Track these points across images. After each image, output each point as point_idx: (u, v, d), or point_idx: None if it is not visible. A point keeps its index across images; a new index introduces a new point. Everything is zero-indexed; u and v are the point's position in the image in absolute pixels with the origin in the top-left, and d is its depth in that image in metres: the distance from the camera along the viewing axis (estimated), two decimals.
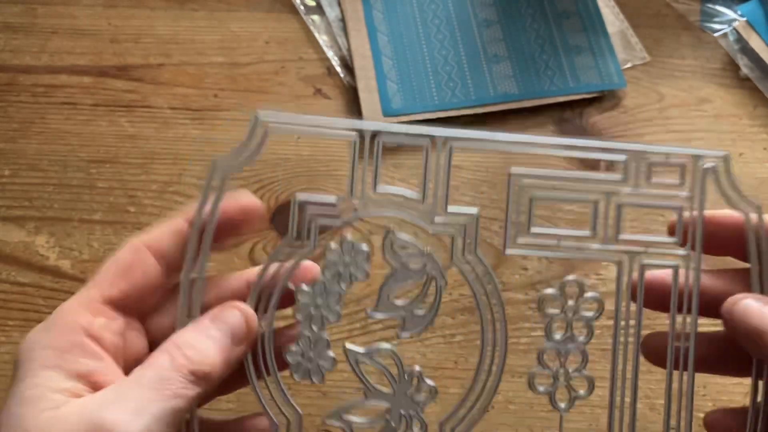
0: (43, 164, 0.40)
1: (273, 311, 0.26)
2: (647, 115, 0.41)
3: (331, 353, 0.26)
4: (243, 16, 0.45)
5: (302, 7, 0.45)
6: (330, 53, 0.43)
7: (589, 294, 0.26)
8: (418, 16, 0.44)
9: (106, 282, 0.24)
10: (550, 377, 0.26)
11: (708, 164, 0.26)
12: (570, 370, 0.26)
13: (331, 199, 0.26)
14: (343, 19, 0.44)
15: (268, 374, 0.25)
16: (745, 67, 0.42)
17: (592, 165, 0.40)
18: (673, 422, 0.26)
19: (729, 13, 0.44)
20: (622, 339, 0.26)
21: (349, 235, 0.26)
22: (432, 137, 0.26)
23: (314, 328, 0.26)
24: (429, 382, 0.26)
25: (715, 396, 0.34)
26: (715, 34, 0.44)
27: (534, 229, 0.26)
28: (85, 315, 0.23)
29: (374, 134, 0.26)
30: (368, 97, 0.41)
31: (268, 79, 0.43)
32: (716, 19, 0.44)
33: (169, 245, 0.25)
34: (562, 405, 0.26)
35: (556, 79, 0.41)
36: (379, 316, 0.27)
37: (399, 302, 0.26)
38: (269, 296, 0.26)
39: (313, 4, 0.45)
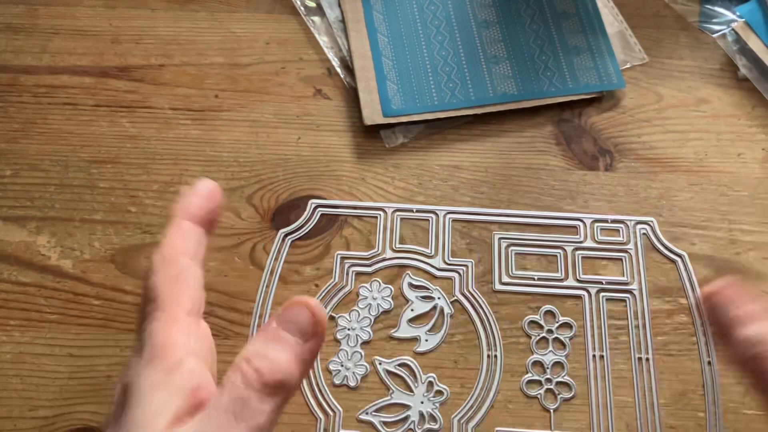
0: (44, 164, 0.40)
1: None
2: (646, 115, 0.42)
3: (364, 363, 0.34)
4: (243, 17, 0.45)
5: (302, 8, 0.45)
6: (330, 54, 0.43)
7: (561, 319, 0.35)
8: (418, 17, 0.44)
9: (175, 297, 0.25)
10: (539, 384, 0.34)
11: (640, 226, 0.37)
12: (553, 378, 0.34)
13: (365, 253, 0.36)
14: (343, 20, 0.44)
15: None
16: (743, 67, 0.43)
17: (591, 166, 0.40)
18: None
19: (727, 14, 0.45)
20: (591, 352, 0.35)
21: (378, 279, 0.36)
22: (435, 212, 0.38)
23: (351, 344, 0.34)
24: (441, 386, 0.33)
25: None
26: (714, 35, 0.44)
27: (515, 272, 0.36)
28: (178, 333, 0.24)
29: (394, 210, 0.38)
30: (368, 98, 0.41)
31: (268, 79, 0.43)
32: (715, 20, 0.45)
33: (188, 245, 0.26)
34: (552, 406, 0.33)
35: (556, 80, 0.41)
36: (399, 336, 0.35)
37: (414, 326, 0.35)
38: None
39: (314, 5, 0.45)
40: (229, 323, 0.35)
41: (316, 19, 0.45)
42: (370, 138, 0.41)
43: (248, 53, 0.44)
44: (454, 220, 0.38)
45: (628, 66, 0.43)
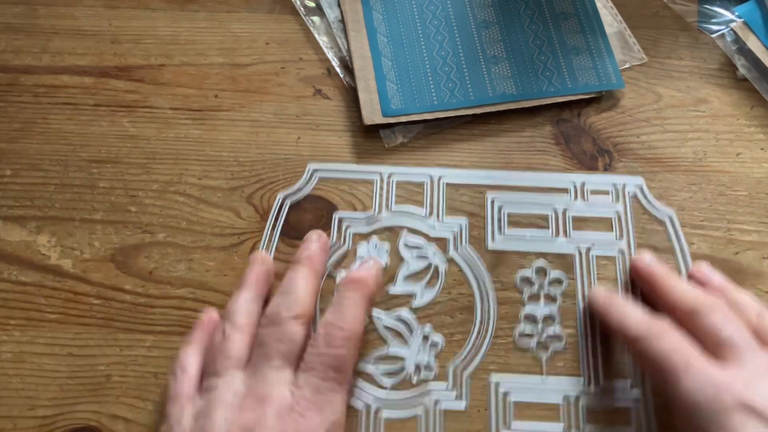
0: (44, 164, 0.40)
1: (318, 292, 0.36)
2: (645, 115, 0.42)
3: None
4: (243, 17, 0.45)
5: (302, 9, 0.45)
6: (330, 54, 0.44)
7: (552, 275, 0.37)
8: (418, 17, 0.44)
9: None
10: (531, 336, 0.35)
11: (629, 187, 0.39)
12: (545, 330, 0.35)
13: (362, 215, 0.38)
14: (342, 20, 0.44)
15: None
16: (742, 67, 0.43)
17: (590, 166, 0.40)
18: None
19: (726, 14, 0.45)
20: (582, 306, 0.36)
21: (375, 237, 0.37)
22: (430, 175, 0.39)
23: None
24: (437, 337, 0.35)
25: None
26: (713, 35, 0.44)
27: (508, 231, 0.38)
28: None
29: (390, 174, 0.39)
30: (368, 98, 0.41)
31: (268, 79, 0.43)
32: (713, 20, 0.45)
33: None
34: (544, 355, 0.35)
35: (555, 80, 0.41)
36: (396, 291, 0.36)
37: (411, 282, 0.36)
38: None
39: (313, 5, 0.45)
40: None
41: (316, 19, 0.45)
42: (369, 138, 0.41)
43: (248, 53, 0.44)
44: (449, 184, 0.39)
45: (627, 66, 0.43)
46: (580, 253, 0.37)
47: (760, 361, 0.28)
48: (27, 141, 0.41)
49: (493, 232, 0.37)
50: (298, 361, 0.31)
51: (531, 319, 0.36)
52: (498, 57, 0.42)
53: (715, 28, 0.44)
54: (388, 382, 0.34)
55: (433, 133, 0.41)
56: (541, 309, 0.36)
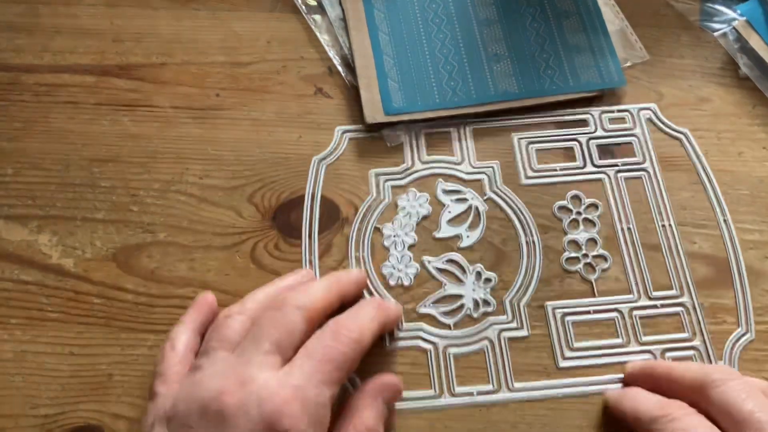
0: (45, 163, 0.40)
1: (369, 241, 0.38)
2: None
3: (414, 264, 0.37)
4: (245, 16, 0.45)
5: (303, 7, 0.45)
6: (331, 52, 0.43)
7: (587, 201, 0.39)
8: (419, 15, 0.44)
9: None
10: (577, 260, 0.37)
11: (643, 112, 0.41)
12: (589, 252, 0.37)
13: (397, 168, 0.39)
14: (344, 19, 0.44)
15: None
16: (744, 66, 0.43)
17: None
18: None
19: (728, 13, 0.45)
20: (620, 225, 0.38)
21: (413, 188, 0.39)
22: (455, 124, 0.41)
23: (398, 249, 0.37)
24: (489, 273, 0.37)
25: None
26: (715, 34, 0.44)
27: (537, 167, 0.40)
28: None
29: (422, 127, 0.41)
30: (369, 96, 0.41)
31: (269, 78, 0.43)
32: (716, 19, 0.45)
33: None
34: (592, 276, 0.37)
35: (557, 78, 0.41)
36: (441, 236, 0.38)
37: (454, 226, 0.38)
38: (363, 234, 0.38)
39: (315, 3, 0.45)
40: None
41: (317, 17, 0.45)
42: (371, 137, 0.41)
43: (249, 52, 0.44)
44: (475, 129, 0.41)
45: (628, 64, 0.43)
46: (609, 177, 0.39)
47: None
48: (28, 140, 0.41)
49: (523, 169, 0.39)
50: (289, 357, 0.29)
51: (574, 244, 0.37)
52: (500, 55, 0.42)
53: (717, 26, 0.44)
54: (450, 321, 0.36)
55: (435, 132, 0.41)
56: (582, 234, 0.38)
